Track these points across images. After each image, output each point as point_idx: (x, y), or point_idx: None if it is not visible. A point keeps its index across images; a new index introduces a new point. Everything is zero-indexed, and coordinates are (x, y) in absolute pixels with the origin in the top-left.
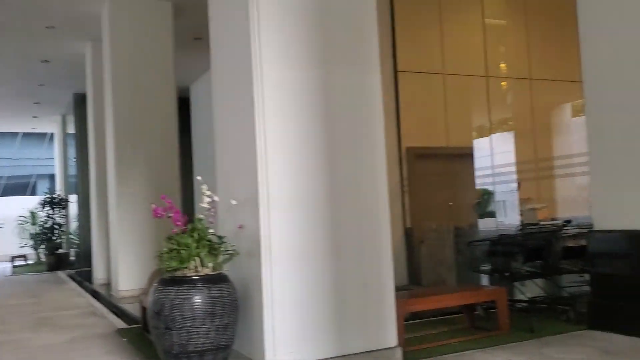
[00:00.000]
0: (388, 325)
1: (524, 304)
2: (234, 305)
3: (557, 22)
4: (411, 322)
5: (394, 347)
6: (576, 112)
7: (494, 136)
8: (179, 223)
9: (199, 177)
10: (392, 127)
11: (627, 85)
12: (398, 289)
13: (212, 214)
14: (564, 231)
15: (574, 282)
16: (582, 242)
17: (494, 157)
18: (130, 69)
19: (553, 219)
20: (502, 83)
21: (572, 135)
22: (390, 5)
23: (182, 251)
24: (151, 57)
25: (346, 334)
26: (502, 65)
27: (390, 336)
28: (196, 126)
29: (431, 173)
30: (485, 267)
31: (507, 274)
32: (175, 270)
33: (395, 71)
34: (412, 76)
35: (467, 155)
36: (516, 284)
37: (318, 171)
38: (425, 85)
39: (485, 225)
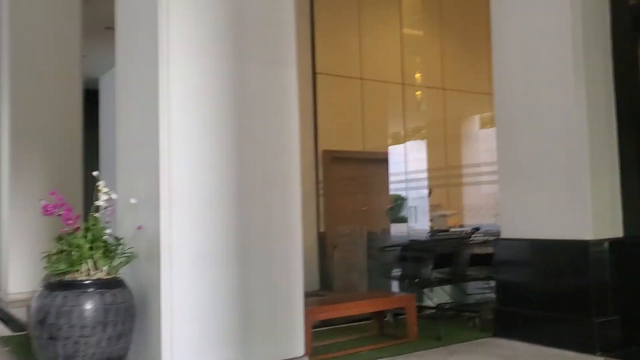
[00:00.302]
0: (296, 333)
1: (433, 311)
2: (129, 312)
3: (471, 36)
4: (320, 330)
5: (301, 356)
6: (484, 124)
7: (408, 143)
8: (71, 222)
9: (95, 173)
10: (309, 129)
11: (535, 99)
12: (309, 294)
13: (110, 212)
14: (472, 238)
15: (481, 289)
16: (489, 250)
17: (408, 163)
18: (31, 57)
19: (462, 226)
20: (417, 92)
21: (480, 145)
22: (310, 8)
23: (72, 253)
24: (55, 45)
25: (251, 343)
26: (418, 75)
27: (297, 345)
28: (105, 120)
29: (346, 177)
30: (396, 272)
31: (416, 280)
32: (65, 273)
33: (314, 73)
34: (330, 79)
35: (382, 160)
36: (425, 290)
37: (226, 170)
38: (343, 89)
39: (397, 230)
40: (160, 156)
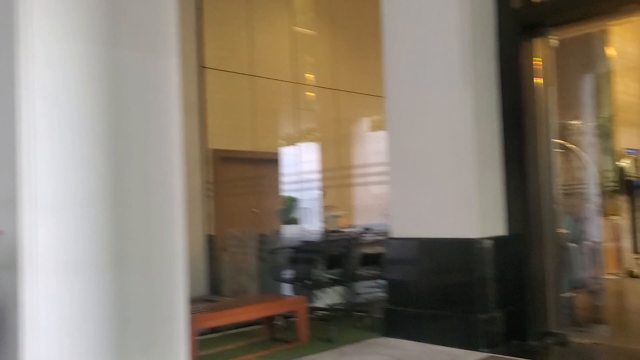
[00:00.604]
0: (179, 343)
1: (324, 312)
2: None
3: (362, 37)
4: (207, 337)
5: None
6: (374, 127)
7: (301, 143)
8: None
9: None
10: (196, 126)
11: (424, 101)
12: (196, 300)
13: None
14: (362, 238)
15: (371, 289)
16: (380, 249)
17: (300, 164)
18: None
19: (352, 226)
20: (309, 93)
21: (370, 146)
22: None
23: None
24: None
25: (128, 356)
26: (309, 75)
27: (180, 356)
28: None
29: (237, 178)
30: (288, 275)
31: (308, 282)
32: None
33: (202, 67)
34: (219, 74)
35: (274, 161)
36: (317, 291)
37: (98, 167)
38: (233, 85)
39: (289, 232)
40: (20, 152)
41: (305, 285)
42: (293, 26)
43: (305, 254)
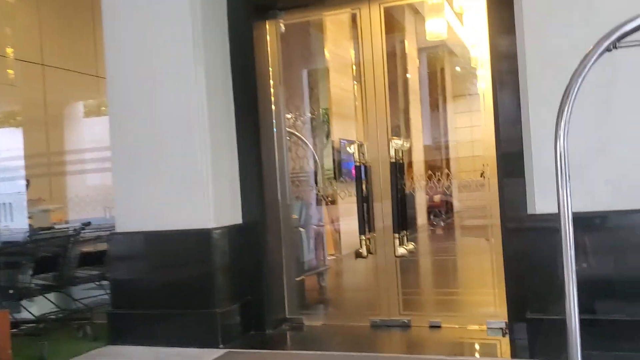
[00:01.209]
0: None
1: (34, 326)
2: None
3: (73, 8)
4: None
5: None
6: (93, 109)
7: None
8: None
9: None
10: None
11: (153, 83)
12: None
13: None
14: (81, 235)
15: (92, 292)
16: (102, 247)
17: None
18: None
19: (69, 222)
20: (10, 71)
21: (87, 130)
22: None
23: None
24: None
25: None
26: (9, 49)
27: None
28: None
29: None
30: None
31: (11, 290)
32: None
33: None
34: None
35: None
36: (23, 301)
37: None
38: None
39: None
40: None
41: (8, 296)
42: None
43: (7, 258)
